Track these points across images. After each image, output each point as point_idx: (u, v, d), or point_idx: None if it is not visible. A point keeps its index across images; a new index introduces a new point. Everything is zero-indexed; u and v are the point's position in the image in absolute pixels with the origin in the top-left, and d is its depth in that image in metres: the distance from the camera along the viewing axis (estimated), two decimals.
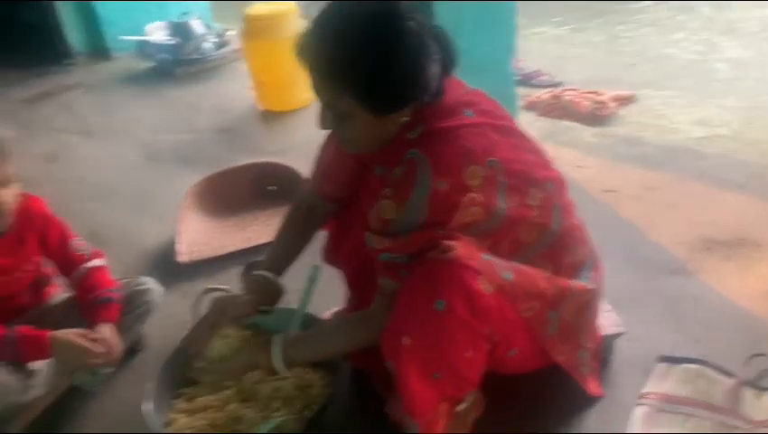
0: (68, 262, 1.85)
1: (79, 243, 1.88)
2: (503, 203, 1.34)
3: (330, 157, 1.62)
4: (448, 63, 1.34)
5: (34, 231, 1.80)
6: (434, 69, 1.27)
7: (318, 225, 1.73)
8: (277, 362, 1.46)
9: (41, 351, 1.66)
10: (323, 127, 1.37)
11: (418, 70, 1.25)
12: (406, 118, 1.32)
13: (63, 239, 1.86)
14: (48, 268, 1.90)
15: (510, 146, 1.40)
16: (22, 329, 1.66)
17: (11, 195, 1.65)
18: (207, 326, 1.58)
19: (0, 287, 1.74)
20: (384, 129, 1.34)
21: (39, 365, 1.71)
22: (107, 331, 1.74)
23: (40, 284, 1.90)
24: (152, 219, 2.78)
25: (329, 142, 1.68)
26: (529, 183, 1.40)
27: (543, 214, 1.42)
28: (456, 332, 1.27)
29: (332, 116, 1.32)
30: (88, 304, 1.79)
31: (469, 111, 1.37)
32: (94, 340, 1.68)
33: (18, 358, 1.64)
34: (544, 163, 1.50)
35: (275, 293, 1.63)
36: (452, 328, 1.27)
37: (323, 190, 1.66)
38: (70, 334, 1.67)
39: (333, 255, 1.78)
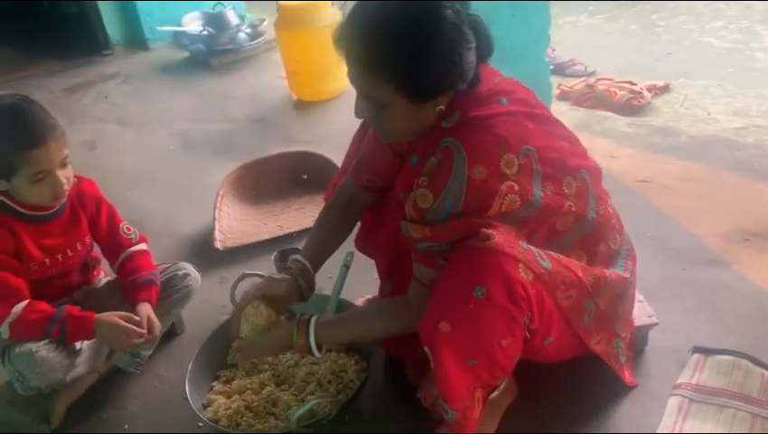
0: (115, 245, 1.91)
1: (128, 227, 1.94)
2: (539, 191, 1.34)
3: (367, 147, 1.64)
4: (484, 51, 1.36)
5: (87, 213, 1.86)
6: (470, 57, 1.29)
7: (357, 216, 1.74)
8: (311, 341, 1.49)
9: (86, 331, 1.71)
10: (360, 116, 1.39)
11: (456, 58, 1.26)
12: (442, 107, 1.34)
13: (113, 222, 1.92)
14: (96, 251, 1.96)
15: (544, 135, 1.40)
16: (70, 309, 1.72)
17: (68, 177, 1.70)
18: (245, 304, 1.61)
19: (54, 266, 1.80)
20: (422, 118, 1.35)
21: (80, 346, 1.76)
22: (146, 310, 1.78)
23: (89, 266, 1.95)
24: (188, 206, 2.84)
25: (363, 132, 1.70)
26: (564, 171, 1.40)
27: (579, 203, 1.42)
28: (495, 319, 1.29)
29: (370, 105, 1.34)
30: (130, 284, 1.84)
31: (504, 100, 1.38)
32: (135, 322, 1.73)
33: (65, 337, 1.70)
34: (579, 151, 1.50)
35: (309, 281, 1.64)
36: (490, 316, 1.28)
37: (362, 180, 1.67)
38: (113, 316, 1.73)
39: (367, 244, 1.80)
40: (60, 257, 1.80)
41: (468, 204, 1.28)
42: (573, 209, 1.41)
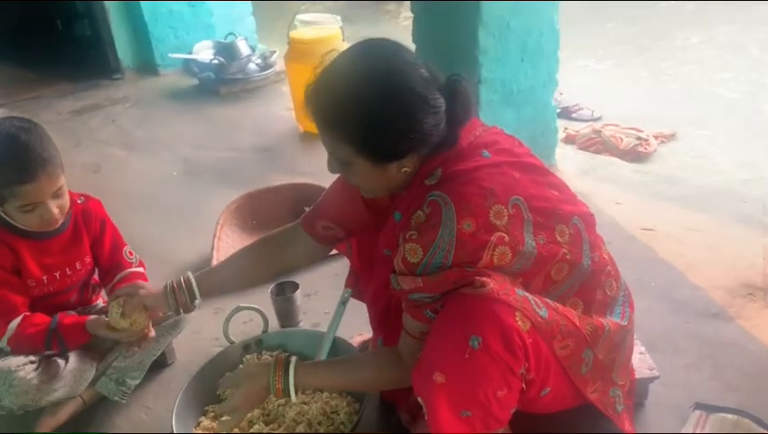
0: (115, 267, 1.91)
1: (131, 252, 1.93)
2: (532, 241, 1.32)
3: (331, 195, 1.64)
4: (460, 115, 1.35)
5: (90, 232, 1.86)
6: (434, 121, 1.29)
7: (289, 260, 1.74)
8: (290, 384, 1.45)
9: (81, 335, 1.73)
10: (332, 171, 1.41)
11: (414, 123, 1.27)
12: (407, 169, 1.34)
13: (117, 244, 1.91)
14: (95, 276, 1.94)
15: (532, 183, 1.38)
16: (61, 318, 1.73)
17: (61, 206, 1.69)
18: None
19: (51, 284, 1.79)
20: (387, 177, 1.35)
21: (62, 370, 1.74)
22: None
23: (89, 287, 1.94)
24: (188, 234, 2.82)
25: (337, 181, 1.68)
26: (556, 219, 1.38)
27: (574, 250, 1.40)
28: (491, 370, 1.25)
29: (337, 163, 1.36)
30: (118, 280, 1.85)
31: (486, 152, 1.37)
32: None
33: (64, 347, 1.72)
34: (569, 198, 1.47)
35: (184, 299, 1.67)
36: (486, 366, 1.24)
37: (315, 228, 1.66)
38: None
39: (355, 288, 1.79)
40: (58, 275, 1.79)
41: (458, 257, 1.26)
42: (568, 257, 1.38)
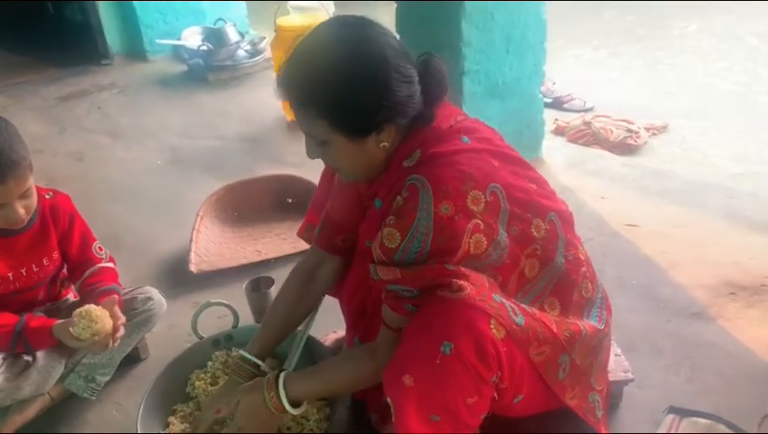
0: (84, 262, 1.86)
1: (100, 247, 1.90)
2: (504, 231, 1.30)
3: (334, 207, 1.59)
4: (438, 90, 1.34)
5: (58, 228, 1.82)
6: (408, 91, 1.27)
7: (326, 285, 1.68)
8: (284, 400, 1.44)
9: (47, 339, 1.69)
10: (311, 156, 1.37)
11: (386, 92, 1.25)
12: (386, 143, 1.31)
13: (86, 239, 1.87)
14: (64, 271, 1.91)
15: (511, 173, 1.36)
16: (27, 320, 1.69)
17: (27, 206, 1.65)
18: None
19: (17, 280, 1.75)
20: (366, 153, 1.32)
21: (29, 368, 1.71)
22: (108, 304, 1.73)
23: (57, 283, 1.90)
24: (170, 224, 2.79)
25: (328, 176, 1.64)
26: (533, 212, 1.36)
27: (547, 247, 1.38)
28: (461, 377, 1.23)
29: (314, 144, 1.33)
30: (91, 290, 1.80)
31: (465, 137, 1.35)
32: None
33: (29, 348, 1.68)
34: (548, 193, 1.45)
35: (255, 377, 1.60)
36: (457, 373, 1.22)
37: (335, 243, 1.61)
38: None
39: (335, 291, 1.74)
40: (24, 271, 1.76)
41: (436, 243, 1.23)
42: (538, 253, 1.36)
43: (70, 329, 1.64)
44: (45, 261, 1.80)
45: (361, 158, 1.33)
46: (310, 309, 1.70)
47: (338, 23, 1.32)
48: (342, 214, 1.57)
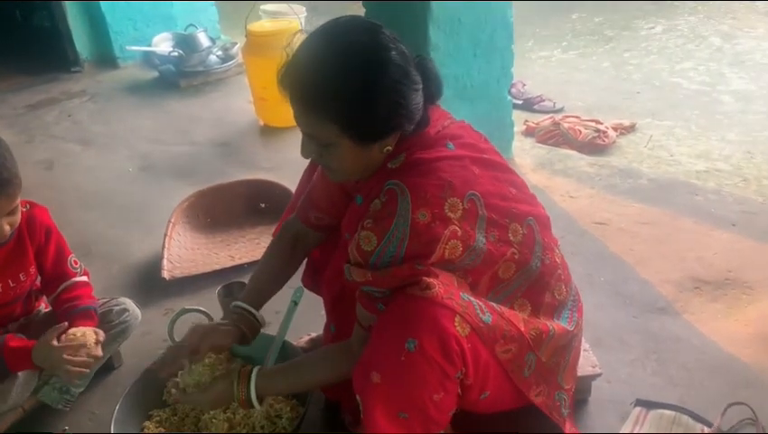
0: (59, 276, 1.84)
1: (75, 261, 1.88)
2: (482, 237, 1.32)
3: (315, 184, 1.61)
4: (433, 93, 1.35)
5: (34, 242, 1.79)
6: (417, 98, 1.28)
7: (303, 255, 1.71)
8: (252, 394, 1.45)
9: (25, 361, 1.67)
10: (306, 156, 1.36)
11: (401, 99, 1.25)
12: (389, 147, 1.32)
13: (62, 253, 1.85)
14: (37, 282, 1.89)
15: (491, 180, 1.38)
16: (7, 340, 1.67)
17: (12, 223, 1.64)
18: (184, 352, 1.55)
19: (5, 292, 1.74)
20: (368, 158, 1.33)
21: (5, 383, 1.70)
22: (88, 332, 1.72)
23: (32, 296, 1.89)
24: (142, 232, 2.77)
25: (313, 167, 1.67)
26: (511, 217, 1.38)
27: (523, 250, 1.39)
28: (426, 373, 1.24)
29: (316, 145, 1.31)
30: (67, 312, 1.78)
31: (450, 144, 1.36)
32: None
33: (4, 368, 1.66)
34: (527, 198, 1.48)
35: (254, 326, 1.61)
36: (421, 369, 1.24)
37: (309, 217, 1.64)
38: (48, 337, 1.67)
39: (313, 281, 1.76)
40: (0, 287, 1.73)
41: (411, 248, 1.25)
42: (516, 256, 1.38)
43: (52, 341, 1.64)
44: (22, 276, 1.77)
45: (362, 162, 1.33)
46: (289, 276, 1.70)
47: (352, 26, 1.28)
48: (321, 195, 1.59)
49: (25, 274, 1.78)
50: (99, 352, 1.72)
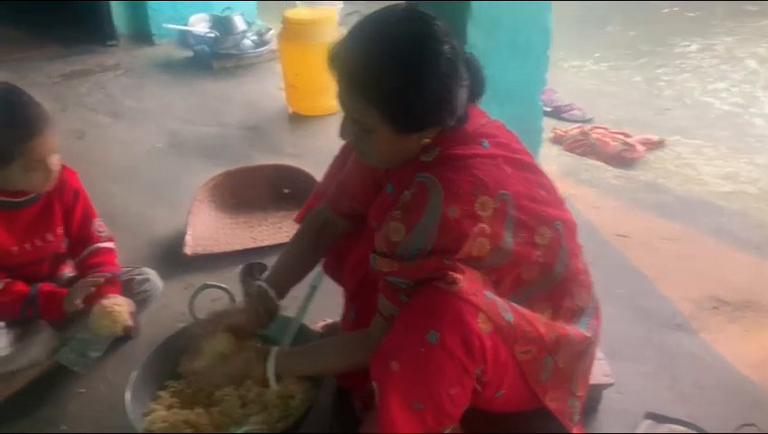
0: (84, 239, 1.89)
1: (101, 225, 1.91)
2: (510, 238, 1.32)
3: (349, 174, 1.62)
4: (476, 91, 1.36)
5: (63, 203, 1.84)
6: (462, 94, 1.29)
7: (330, 243, 1.72)
8: (271, 376, 1.47)
9: (57, 310, 1.73)
10: (344, 137, 1.38)
11: (447, 94, 1.26)
12: (427, 140, 1.33)
13: (88, 216, 1.90)
14: (64, 245, 1.93)
15: (522, 181, 1.38)
16: (42, 287, 1.73)
17: (57, 164, 1.68)
18: (204, 328, 1.58)
19: (21, 255, 1.77)
20: (405, 147, 1.34)
21: (26, 340, 1.74)
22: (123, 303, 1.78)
23: (58, 258, 1.92)
24: (167, 207, 2.81)
25: (344, 156, 1.68)
26: (539, 220, 1.38)
27: (549, 254, 1.40)
28: (445, 367, 1.25)
29: (355, 128, 1.33)
30: (92, 272, 1.82)
31: (486, 142, 1.37)
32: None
33: (37, 314, 1.72)
34: (556, 202, 1.48)
35: (271, 309, 1.62)
36: (441, 362, 1.24)
37: (341, 206, 1.65)
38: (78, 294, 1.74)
39: (335, 268, 1.77)
40: (28, 246, 1.77)
41: (439, 243, 1.26)
42: (541, 259, 1.38)
43: (90, 323, 1.67)
44: (49, 237, 1.82)
45: (398, 151, 1.35)
46: (315, 263, 1.72)
47: (407, 15, 1.29)
48: (355, 184, 1.59)
49: (53, 235, 1.82)
50: (130, 322, 1.75)
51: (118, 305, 1.72)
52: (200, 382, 1.68)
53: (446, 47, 1.25)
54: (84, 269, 1.86)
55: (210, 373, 1.55)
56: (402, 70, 1.23)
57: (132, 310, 1.77)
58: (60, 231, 1.84)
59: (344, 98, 1.30)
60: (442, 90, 1.25)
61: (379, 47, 1.25)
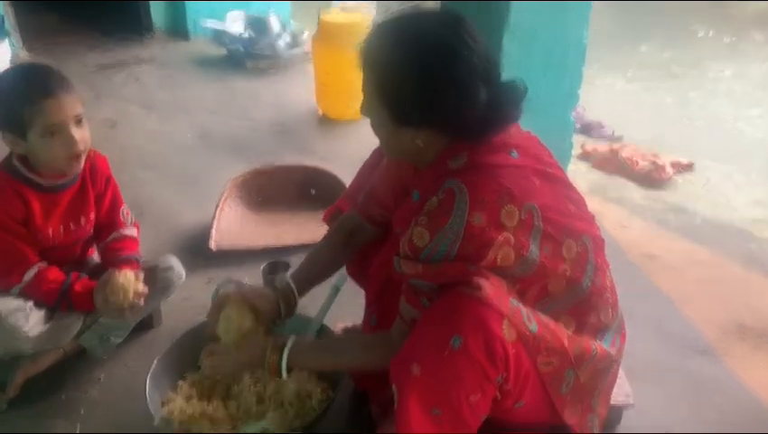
0: (110, 224, 1.91)
1: (127, 211, 1.94)
2: (537, 250, 1.31)
3: (380, 182, 1.63)
4: (503, 119, 1.34)
5: (95, 189, 1.87)
6: (461, 111, 1.28)
7: (357, 248, 1.73)
8: (283, 364, 1.47)
9: (88, 303, 1.75)
10: (362, 112, 1.40)
11: (432, 97, 1.27)
12: (419, 142, 1.33)
13: (116, 202, 1.92)
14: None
15: (551, 193, 1.38)
16: (73, 281, 1.76)
17: (83, 138, 1.68)
18: (225, 304, 1.59)
19: (56, 238, 1.80)
20: (400, 141, 1.35)
21: (49, 321, 1.76)
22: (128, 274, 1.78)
23: (87, 241, 1.95)
24: (193, 200, 2.84)
25: (374, 161, 1.68)
26: (566, 233, 1.37)
27: (575, 269, 1.39)
28: (467, 373, 1.24)
29: (366, 104, 1.37)
30: (114, 257, 1.85)
31: (514, 152, 1.36)
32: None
33: (71, 308, 1.76)
34: (585, 216, 1.46)
35: (291, 305, 1.63)
36: (463, 368, 1.23)
37: (372, 214, 1.66)
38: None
39: (358, 270, 1.78)
40: (62, 229, 1.80)
41: (463, 249, 1.25)
42: (567, 273, 1.37)
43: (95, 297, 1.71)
44: (83, 220, 1.84)
45: (395, 142, 1.37)
46: (341, 266, 1.74)
47: (433, 14, 1.34)
48: (386, 191, 1.60)
49: (86, 218, 1.85)
50: (143, 288, 1.78)
51: (127, 280, 1.74)
52: (214, 364, 1.65)
53: (458, 58, 1.26)
54: (106, 254, 1.88)
55: (226, 353, 1.55)
56: (400, 59, 1.27)
57: (142, 290, 1.78)
58: (92, 215, 1.87)
59: (363, 77, 1.35)
60: (428, 94, 1.27)
61: (398, 33, 1.30)
